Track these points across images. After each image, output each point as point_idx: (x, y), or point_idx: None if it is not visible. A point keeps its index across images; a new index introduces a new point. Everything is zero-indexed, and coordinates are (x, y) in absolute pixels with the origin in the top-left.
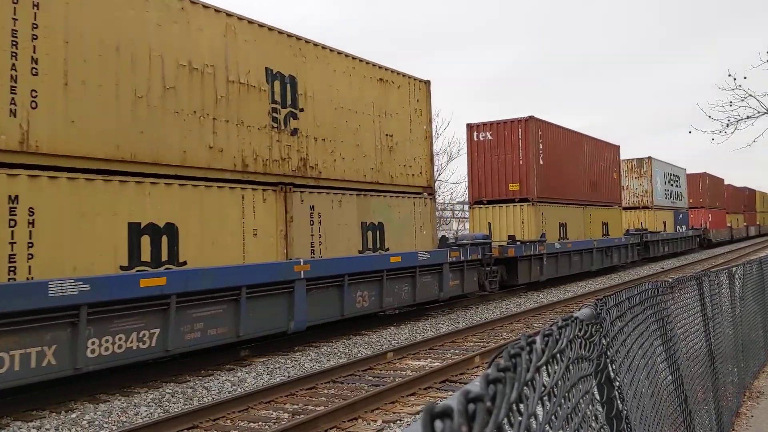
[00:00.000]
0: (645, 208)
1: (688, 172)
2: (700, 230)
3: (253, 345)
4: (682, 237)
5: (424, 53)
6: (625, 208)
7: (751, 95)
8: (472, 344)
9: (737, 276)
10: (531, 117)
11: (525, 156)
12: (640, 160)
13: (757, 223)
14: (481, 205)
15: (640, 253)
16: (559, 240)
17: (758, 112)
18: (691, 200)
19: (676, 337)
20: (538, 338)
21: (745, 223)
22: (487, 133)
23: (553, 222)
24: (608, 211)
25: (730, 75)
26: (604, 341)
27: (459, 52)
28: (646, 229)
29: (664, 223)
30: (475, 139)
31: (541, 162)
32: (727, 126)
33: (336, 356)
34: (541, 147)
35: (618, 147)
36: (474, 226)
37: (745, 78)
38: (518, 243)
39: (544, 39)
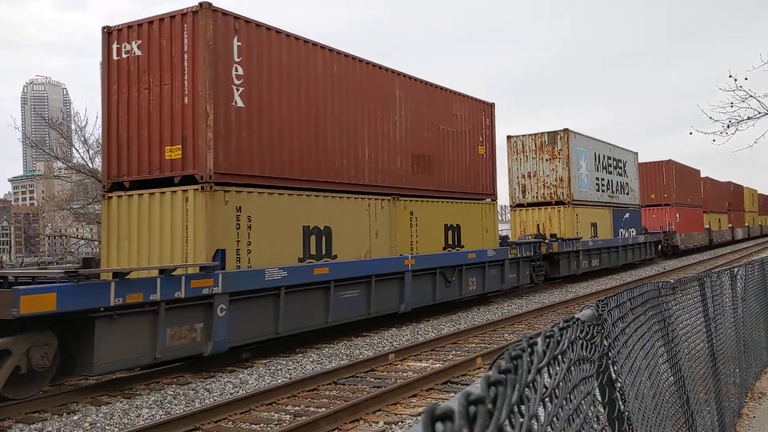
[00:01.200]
0: (559, 204)
1: (649, 159)
2: (660, 234)
3: (254, 347)
4: (627, 245)
5: (433, 54)
6: (528, 205)
7: (751, 96)
8: (473, 345)
9: (739, 277)
10: (204, 3)
11: (192, 88)
12: (552, 134)
13: (746, 224)
14: (120, 192)
15: (539, 271)
16: (305, 261)
17: (759, 113)
18: (653, 196)
19: (678, 337)
20: (539, 340)
21: (729, 225)
22: (134, 44)
23: (276, 227)
24: (462, 207)
25: (731, 76)
26: (605, 342)
27: (471, 52)
28: (554, 236)
29: (594, 225)
30: (116, 56)
31: (239, 102)
32: (728, 127)
33: (338, 357)
34: (239, 72)
35: (491, 105)
36: (108, 234)
37: (746, 79)
38: (83, 283)
39: (556, 41)
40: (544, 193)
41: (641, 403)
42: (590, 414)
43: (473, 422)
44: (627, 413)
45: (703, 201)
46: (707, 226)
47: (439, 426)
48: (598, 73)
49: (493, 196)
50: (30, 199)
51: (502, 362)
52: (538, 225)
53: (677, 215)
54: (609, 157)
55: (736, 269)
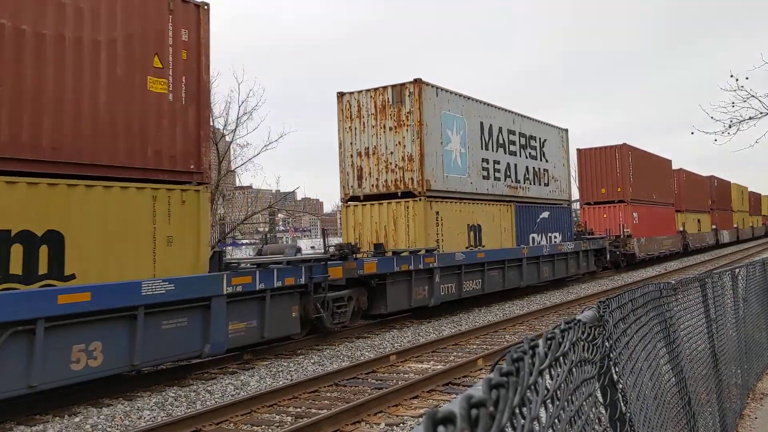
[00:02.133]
0: (408, 196)
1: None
2: (603, 240)
3: (256, 348)
4: (541, 256)
5: (444, 53)
6: (366, 198)
7: (753, 96)
8: (475, 347)
9: (740, 277)
10: None
11: None
12: (399, 88)
13: (734, 225)
14: None
15: (338, 307)
16: None
17: (760, 113)
18: (603, 190)
19: (680, 338)
20: (540, 341)
21: (713, 226)
22: None
23: None
24: (80, 195)
25: (732, 76)
26: (607, 343)
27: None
28: (379, 246)
29: (475, 229)
30: None
31: None
32: (730, 127)
33: (339, 359)
34: None
35: (198, 6)
36: None
37: (747, 78)
38: None
39: (564, 41)
40: (386, 180)
41: (643, 404)
42: (592, 416)
43: (475, 425)
44: (629, 415)
45: (677, 198)
46: (681, 229)
47: (441, 430)
48: (606, 71)
49: (202, 176)
50: None
51: (504, 364)
52: (329, 229)
53: (635, 214)
54: (512, 131)
55: (737, 270)
